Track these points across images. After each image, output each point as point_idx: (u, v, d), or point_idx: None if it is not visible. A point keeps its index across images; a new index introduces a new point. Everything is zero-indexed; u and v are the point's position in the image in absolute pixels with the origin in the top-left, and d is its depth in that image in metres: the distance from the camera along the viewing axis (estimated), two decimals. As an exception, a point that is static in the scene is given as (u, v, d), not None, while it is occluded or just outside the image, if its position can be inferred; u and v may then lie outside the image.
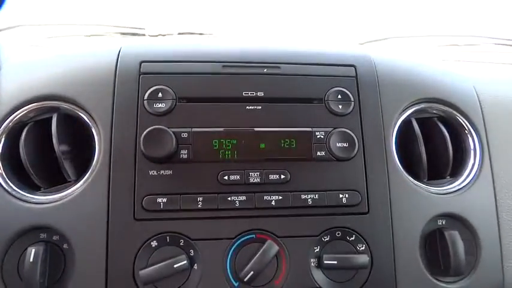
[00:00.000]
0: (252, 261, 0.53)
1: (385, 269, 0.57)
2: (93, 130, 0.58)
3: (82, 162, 0.59)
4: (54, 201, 0.55)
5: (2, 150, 0.57)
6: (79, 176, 0.58)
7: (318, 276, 0.56)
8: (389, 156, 0.61)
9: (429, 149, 0.64)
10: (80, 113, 0.59)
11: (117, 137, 0.57)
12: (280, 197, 0.57)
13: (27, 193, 0.56)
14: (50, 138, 0.57)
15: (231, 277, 0.54)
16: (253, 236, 0.56)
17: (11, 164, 0.58)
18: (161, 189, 0.55)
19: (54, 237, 0.55)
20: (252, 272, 0.53)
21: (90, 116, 0.58)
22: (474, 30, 1.05)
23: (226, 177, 0.56)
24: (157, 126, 0.55)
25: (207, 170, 0.57)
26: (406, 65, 0.69)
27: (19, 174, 0.58)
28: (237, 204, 0.56)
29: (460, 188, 0.63)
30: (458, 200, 0.61)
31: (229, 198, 0.56)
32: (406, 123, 0.65)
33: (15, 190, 0.56)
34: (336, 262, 0.55)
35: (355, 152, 0.59)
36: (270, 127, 0.59)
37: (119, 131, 0.57)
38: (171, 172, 0.56)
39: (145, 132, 0.54)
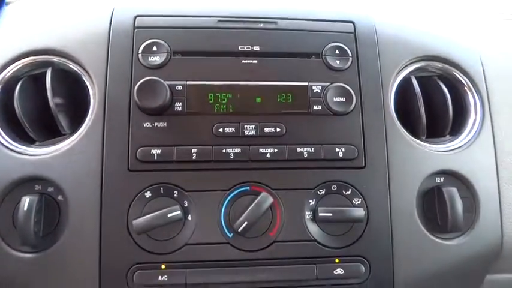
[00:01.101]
0: (246, 212, 0.53)
1: (381, 224, 0.56)
2: (88, 84, 0.58)
3: (76, 116, 0.59)
4: (49, 153, 0.55)
5: (-3, 103, 0.57)
6: (74, 129, 0.57)
7: (313, 229, 0.55)
8: (387, 112, 0.60)
9: (430, 108, 0.63)
10: (74, 67, 0.59)
11: (112, 89, 0.56)
12: (275, 150, 0.56)
13: (22, 145, 0.56)
14: (45, 92, 0.57)
15: (225, 228, 0.54)
16: (248, 188, 0.55)
17: (5, 118, 0.58)
18: (156, 141, 0.55)
19: (49, 189, 0.55)
20: (246, 223, 0.53)
21: (85, 70, 0.58)
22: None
23: (221, 130, 0.56)
24: (151, 77, 0.54)
25: (201, 123, 0.56)
26: (406, 22, 0.67)
27: (14, 128, 0.58)
28: (232, 157, 0.55)
29: (460, 147, 0.62)
30: (457, 158, 0.60)
31: (223, 151, 0.55)
32: (407, 81, 0.64)
33: (9, 143, 0.56)
34: (331, 214, 0.54)
35: (352, 106, 0.58)
36: (266, 81, 0.58)
37: (113, 84, 0.56)
38: (165, 124, 0.56)
39: (139, 83, 0.54)
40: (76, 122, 0.58)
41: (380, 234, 0.56)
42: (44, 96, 0.57)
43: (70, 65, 0.59)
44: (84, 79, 0.58)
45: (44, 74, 0.58)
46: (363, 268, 0.55)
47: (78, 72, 0.58)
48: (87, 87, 0.58)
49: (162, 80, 0.54)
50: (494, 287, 0.65)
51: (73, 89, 0.60)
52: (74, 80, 0.59)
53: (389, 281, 0.56)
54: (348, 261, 0.55)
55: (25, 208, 0.52)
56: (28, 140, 0.57)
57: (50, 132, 0.58)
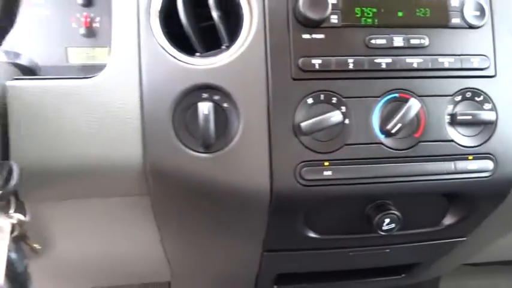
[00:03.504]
0: (398, 116, 0.60)
1: (508, 127, 0.64)
2: None
3: (230, 29, 0.63)
4: (215, 63, 0.60)
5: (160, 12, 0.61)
6: (230, 41, 0.62)
7: (451, 130, 0.63)
8: None
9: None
10: None
11: (271, 3, 0.60)
12: (420, 60, 0.62)
13: (188, 56, 0.60)
14: (203, 4, 0.60)
15: (378, 130, 0.61)
16: (397, 95, 0.62)
17: (167, 31, 0.61)
18: (315, 52, 0.60)
19: (215, 97, 0.60)
20: (399, 125, 0.60)
21: None
22: None
23: (373, 41, 0.61)
24: (315, -11, 0.58)
25: (355, 35, 0.61)
26: None
27: (174, 41, 0.61)
28: (383, 66, 0.61)
29: None
30: None
31: (376, 60, 0.61)
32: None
33: (177, 54, 0.60)
34: (469, 117, 0.62)
35: (485, 20, 0.63)
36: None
37: None
38: (323, 36, 0.60)
39: None
40: (230, 34, 0.62)
41: (507, 135, 0.64)
42: (201, 9, 0.61)
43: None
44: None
45: None
46: (492, 164, 0.64)
47: None
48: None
49: (325, -7, 0.58)
50: None
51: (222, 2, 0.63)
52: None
53: None
54: (479, 158, 0.64)
55: (205, 112, 0.57)
56: (189, 52, 0.62)
57: (207, 44, 0.62)
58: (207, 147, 0.59)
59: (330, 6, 0.58)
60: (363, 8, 0.62)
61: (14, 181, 0.47)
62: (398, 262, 0.84)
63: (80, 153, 0.58)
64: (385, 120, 0.61)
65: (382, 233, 0.66)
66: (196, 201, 0.65)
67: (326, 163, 0.60)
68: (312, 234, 0.69)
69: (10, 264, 0.47)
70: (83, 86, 0.59)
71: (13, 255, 0.47)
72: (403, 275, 0.91)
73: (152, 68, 0.59)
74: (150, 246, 0.81)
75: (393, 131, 0.60)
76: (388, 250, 0.76)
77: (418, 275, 0.93)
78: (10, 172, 0.48)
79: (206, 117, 0.57)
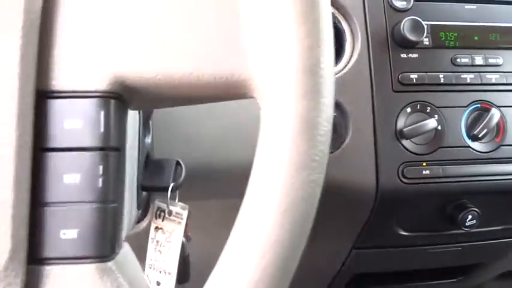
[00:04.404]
0: (484, 122, 0.70)
1: None
2: (343, 24, 0.72)
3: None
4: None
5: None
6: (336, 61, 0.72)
7: (526, 136, 0.73)
8: None
9: None
10: (333, 10, 0.72)
11: (373, 27, 0.71)
12: (497, 76, 0.73)
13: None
14: None
15: (465, 135, 0.71)
16: (479, 105, 0.72)
17: None
18: (411, 68, 0.70)
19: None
20: (484, 130, 0.70)
21: (345, 11, 0.72)
22: None
23: (458, 60, 0.72)
24: (414, 18, 0.69)
25: (443, 54, 0.72)
26: None
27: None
28: (468, 81, 0.72)
29: None
30: None
31: (462, 76, 0.72)
32: None
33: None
34: (541, 124, 0.72)
35: None
36: (481, 23, 0.74)
37: (373, 23, 0.71)
38: (417, 55, 0.71)
39: (406, 20, 0.68)
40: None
41: None
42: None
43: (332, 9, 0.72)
44: (340, 19, 0.72)
45: None
46: None
47: (336, 13, 0.72)
48: (340, 24, 0.72)
49: (421, 20, 0.69)
50: None
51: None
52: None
53: None
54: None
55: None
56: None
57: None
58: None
59: (425, 30, 0.69)
60: (446, 33, 0.73)
61: (182, 175, 0.54)
62: (465, 262, 0.92)
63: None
64: (471, 126, 0.71)
65: (465, 229, 0.75)
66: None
67: (424, 163, 0.70)
68: (402, 232, 0.77)
69: (181, 246, 0.54)
70: None
71: (183, 239, 0.54)
72: (460, 278, 0.99)
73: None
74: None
75: (480, 135, 0.70)
76: (460, 248, 0.84)
77: (474, 278, 1.00)
78: (179, 167, 0.55)
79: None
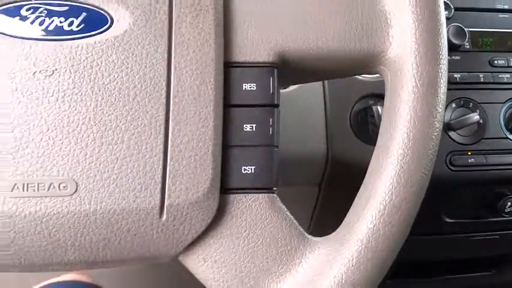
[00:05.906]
0: (520, 116, 0.78)
1: None
2: None
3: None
4: (378, 77, 0.78)
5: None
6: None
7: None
8: None
9: None
10: None
11: None
12: (533, 76, 0.82)
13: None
14: None
15: (504, 128, 0.79)
16: (514, 102, 0.81)
17: None
18: (455, 68, 0.79)
19: (376, 102, 0.78)
20: (522, 124, 0.78)
21: None
22: None
23: (496, 61, 0.81)
24: (457, 24, 0.78)
25: (482, 57, 0.81)
26: None
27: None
28: (505, 80, 0.80)
29: None
30: None
31: (499, 75, 0.80)
32: None
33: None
34: None
35: None
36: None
37: None
38: (459, 57, 0.80)
39: (451, 26, 0.78)
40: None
41: None
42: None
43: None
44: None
45: None
46: None
47: None
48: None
49: (463, 26, 0.79)
50: None
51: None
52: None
53: None
54: None
55: (380, 113, 0.75)
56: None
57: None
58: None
59: (467, 35, 0.78)
60: (483, 38, 0.82)
61: None
62: (503, 251, 0.99)
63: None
64: (508, 120, 0.79)
65: (505, 216, 0.82)
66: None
67: (469, 153, 0.78)
68: (447, 219, 0.85)
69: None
70: None
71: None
72: (493, 271, 1.05)
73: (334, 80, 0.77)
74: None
75: (517, 128, 0.78)
76: (497, 236, 0.91)
77: (506, 272, 1.07)
78: None
79: (380, 116, 0.75)
